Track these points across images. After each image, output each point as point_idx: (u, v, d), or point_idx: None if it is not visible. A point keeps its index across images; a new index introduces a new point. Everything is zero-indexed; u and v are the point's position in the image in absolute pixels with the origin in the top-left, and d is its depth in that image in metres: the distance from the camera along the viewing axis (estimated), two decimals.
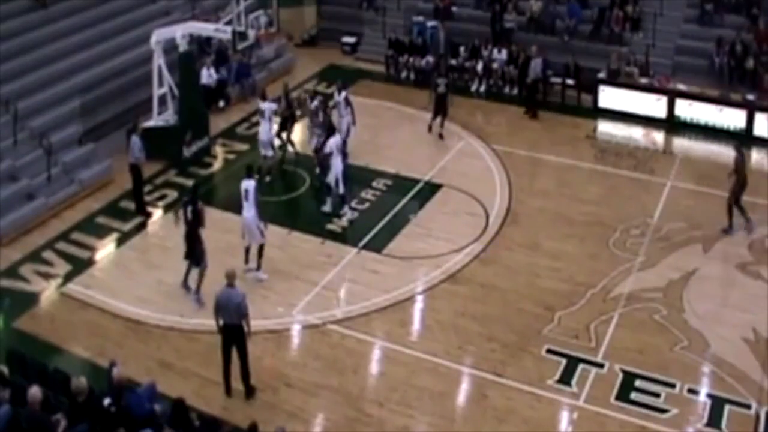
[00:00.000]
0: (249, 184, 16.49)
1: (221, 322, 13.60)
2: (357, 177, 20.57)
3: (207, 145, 22.12)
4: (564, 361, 14.42)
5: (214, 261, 17.26)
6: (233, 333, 13.54)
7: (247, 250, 16.86)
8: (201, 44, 25.06)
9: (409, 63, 26.64)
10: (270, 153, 20.27)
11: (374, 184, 20.29)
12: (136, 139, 18.91)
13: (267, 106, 20.31)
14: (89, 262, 17.66)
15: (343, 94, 20.99)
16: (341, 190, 18.71)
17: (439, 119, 22.14)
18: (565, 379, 14.07)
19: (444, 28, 26.96)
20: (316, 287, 16.55)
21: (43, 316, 16.05)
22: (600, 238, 17.90)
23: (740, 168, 17.91)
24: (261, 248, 16.73)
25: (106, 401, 11.13)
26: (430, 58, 26.18)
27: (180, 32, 21.24)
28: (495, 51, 25.65)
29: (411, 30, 27.60)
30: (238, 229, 16.96)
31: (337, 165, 18.53)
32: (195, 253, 16.18)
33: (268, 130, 20.28)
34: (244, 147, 22.38)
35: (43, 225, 18.77)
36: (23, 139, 20.12)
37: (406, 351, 14.88)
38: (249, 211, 16.48)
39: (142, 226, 18.89)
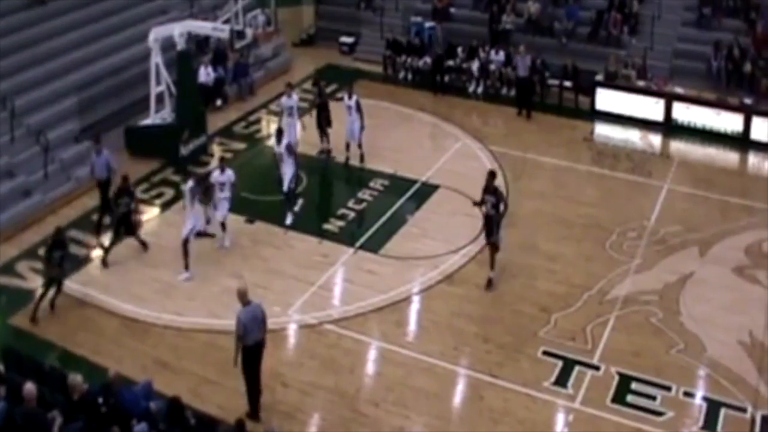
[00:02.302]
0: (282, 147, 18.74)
1: (245, 343, 12.80)
2: (355, 177, 20.59)
3: (204, 143, 22.07)
4: (560, 363, 14.43)
5: (212, 259, 17.36)
6: (258, 352, 12.97)
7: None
8: (199, 43, 25.03)
9: (407, 63, 26.65)
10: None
11: (371, 184, 20.29)
12: (95, 158, 18.52)
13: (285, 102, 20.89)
14: (86, 260, 17.62)
15: (354, 97, 20.84)
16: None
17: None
18: (561, 381, 14.08)
19: (441, 29, 26.98)
20: (312, 287, 16.54)
21: (39, 313, 16.00)
22: (597, 240, 17.91)
23: None
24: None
25: (101, 399, 11.11)
26: (428, 59, 26.19)
27: (178, 30, 21.20)
28: (492, 52, 25.67)
29: (409, 30, 27.61)
30: (233, 228, 16.88)
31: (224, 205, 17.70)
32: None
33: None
34: (241, 146, 22.39)
35: (40, 222, 18.71)
36: (20, 135, 20.09)
37: (403, 351, 14.88)
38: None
39: (138, 224, 18.82)
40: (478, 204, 16.60)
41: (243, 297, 12.88)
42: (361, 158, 21.03)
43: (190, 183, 17.21)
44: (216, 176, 17.72)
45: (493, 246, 16.45)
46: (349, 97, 20.92)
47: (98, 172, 18.57)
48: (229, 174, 17.71)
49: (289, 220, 18.65)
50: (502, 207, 16.52)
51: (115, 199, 17.59)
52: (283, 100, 21.04)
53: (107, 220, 18.38)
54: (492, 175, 16.80)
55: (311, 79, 23.17)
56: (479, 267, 17.03)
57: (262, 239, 18.20)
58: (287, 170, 18.57)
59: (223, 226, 17.73)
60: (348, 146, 21.09)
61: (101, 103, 22.05)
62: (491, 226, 16.46)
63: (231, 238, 17.89)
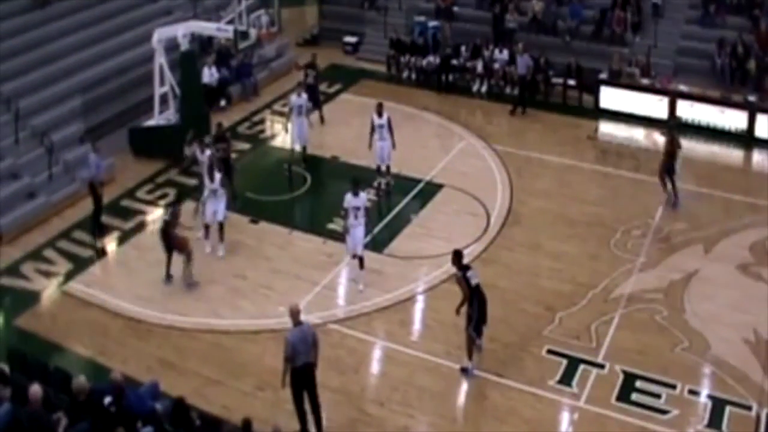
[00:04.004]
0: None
1: (293, 365, 12.46)
2: (359, 177, 20.53)
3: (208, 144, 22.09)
4: (565, 362, 14.43)
5: (216, 260, 17.37)
6: (308, 374, 12.60)
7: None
8: (202, 43, 25.07)
9: (411, 63, 26.64)
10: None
11: (375, 183, 20.26)
12: (93, 157, 18.35)
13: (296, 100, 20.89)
14: (90, 261, 17.67)
15: (385, 116, 19.54)
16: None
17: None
18: (566, 379, 14.08)
19: (445, 27, 26.98)
20: (317, 287, 16.56)
21: (44, 314, 16.08)
22: (601, 238, 17.89)
23: (672, 143, 19.00)
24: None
25: (107, 400, 11.12)
26: (432, 58, 26.18)
27: (181, 31, 21.28)
28: (496, 51, 25.62)
29: (412, 30, 27.60)
30: (238, 228, 16.99)
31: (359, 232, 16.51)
32: None
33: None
34: (245, 146, 22.39)
35: (45, 223, 18.78)
36: (25, 137, 20.15)
37: (407, 351, 14.90)
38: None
39: (143, 224, 18.88)
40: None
41: (295, 316, 12.52)
42: (387, 185, 20.33)
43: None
44: (349, 199, 16.25)
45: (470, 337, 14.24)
46: (380, 116, 19.53)
47: (103, 173, 18.55)
48: (363, 198, 16.52)
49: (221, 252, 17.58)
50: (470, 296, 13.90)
51: (213, 143, 18.84)
52: (293, 98, 21.05)
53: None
54: (457, 255, 14.23)
55: (309, 60, 23.64)
56: (484, 266, 16.97)
57: (267, 239, 18.22)
58: (219, 204, 17.40)
59: (360, 261, 16.51)
60: (379, 169, 20.08)
61: (105, 104, 22.10)
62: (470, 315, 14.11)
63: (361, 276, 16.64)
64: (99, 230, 18.47)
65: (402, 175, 20.55)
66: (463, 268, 14.12)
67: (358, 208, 16.25)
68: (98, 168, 18.37)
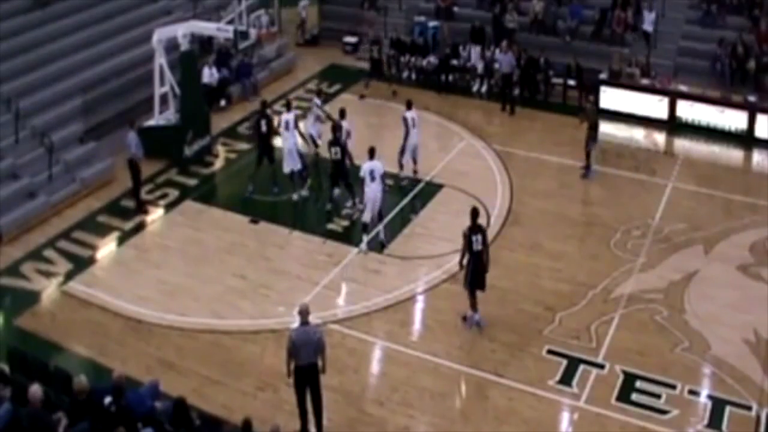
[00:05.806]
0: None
1: (293, 365, 12.70)
2: (359, 177, 20.57)
3: (208, 144, 22.13)
4: (565, 362, 14.43)
5: (216, 260, 17.37)
6: (310, 373, 12.77)
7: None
8: (202, 43, 25.06)
9: (411, 63, 26.64)
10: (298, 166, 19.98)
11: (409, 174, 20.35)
12: (133, 135, 19.10)
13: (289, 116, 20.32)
14: (90, 261, 17.67)
15: (411, 112, 20.23)
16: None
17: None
18: (566, 379, 14.08)
19: (445, 27, 26.99)
20: (317, 287, 16.55)
21: (44, 314, 16.06)
22: (601, 239, 17.90)
23: (591, 116, 20.62)
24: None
25: (107, 400, 11.11)
26: (432, 58, 26.18)
27: (181, 31, 21.26)
28: (497, 51, 25.62)
29: (412, 30, 27.61)
30: (238, 228, 16.85)
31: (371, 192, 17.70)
32: None
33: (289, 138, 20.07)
34: (245, 146, 22.36)
35: (45, 223, 18.78)
36: (25, 137, 20.13)
37: (407, 351, 14.89)
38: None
39: (142, 225, 18.88)
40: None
41: (302, 315, 12.65)
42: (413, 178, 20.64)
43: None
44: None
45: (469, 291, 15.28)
46: (408, 108, 20.43)
47: (141, 151, 19.28)
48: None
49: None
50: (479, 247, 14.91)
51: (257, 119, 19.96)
52: (315, 109, 21.32)
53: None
54: (472, 213, 15.17)
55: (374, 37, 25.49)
56: None
57: (267, 239, 18.22)
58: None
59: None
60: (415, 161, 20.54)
61: (105, 104, 22.07)
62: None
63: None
64: (141, 204, 19.29)
65: (402, 175, 20.53)
66: (472, 229, 14.97)
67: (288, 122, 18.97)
68: (137, 146, 19.07)
